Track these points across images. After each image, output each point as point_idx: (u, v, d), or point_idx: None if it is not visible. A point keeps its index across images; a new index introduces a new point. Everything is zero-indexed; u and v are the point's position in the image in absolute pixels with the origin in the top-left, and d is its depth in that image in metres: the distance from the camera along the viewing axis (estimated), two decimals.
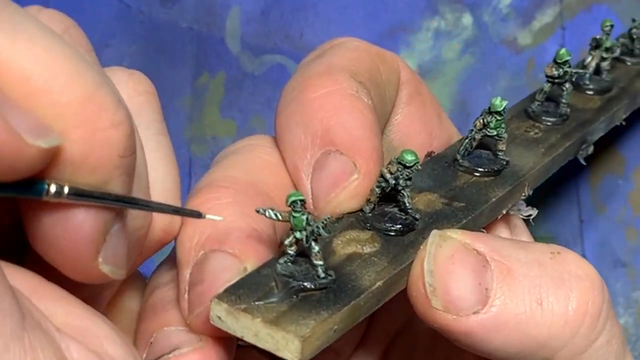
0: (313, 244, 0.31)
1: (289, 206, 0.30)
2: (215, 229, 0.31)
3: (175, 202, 0.32)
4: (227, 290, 0.29)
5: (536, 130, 0.43)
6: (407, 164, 0.33)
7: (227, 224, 0.31)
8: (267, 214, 0.30)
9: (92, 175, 0.25)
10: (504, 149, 0.39)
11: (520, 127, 0.43)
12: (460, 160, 0.38)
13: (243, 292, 0.29)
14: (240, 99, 0.60)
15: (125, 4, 0.62)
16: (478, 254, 0.32)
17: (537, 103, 0.44)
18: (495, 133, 0.38)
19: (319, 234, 0.31)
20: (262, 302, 0.29)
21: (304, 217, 0.30)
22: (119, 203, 0.27)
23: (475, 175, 0.38)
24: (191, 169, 0.61)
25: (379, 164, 0.34)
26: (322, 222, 0.31)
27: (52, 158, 0.25)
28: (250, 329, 0.28)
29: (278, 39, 0.61)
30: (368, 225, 0.34)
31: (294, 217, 0.30)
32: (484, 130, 0.38)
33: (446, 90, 0.60)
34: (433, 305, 0.32)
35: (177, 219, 0.31)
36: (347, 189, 0.34)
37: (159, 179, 0.31)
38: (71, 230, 0.26)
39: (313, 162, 0.34)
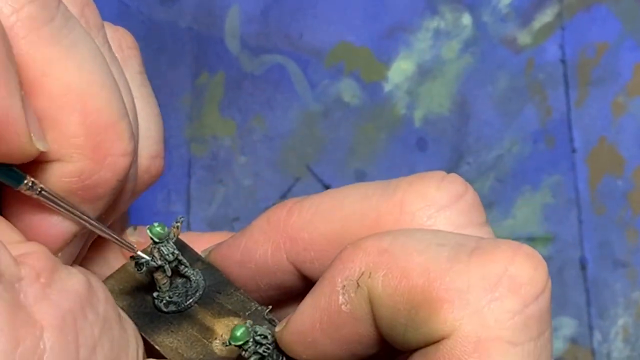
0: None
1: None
2: None
3: (159, 148, 0.35)
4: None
5: None
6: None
7: None
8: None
9: (91, 190, 0.29)
10: None
11: None
12: None
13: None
14: (240, 99, 0.60)
15: (124, 3, 0.62)
16: None
17: None
18: None
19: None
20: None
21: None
22: (78, 219, 0.30)
23: None
24: (190, 169, 0.60)
25: None
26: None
27: (62, 168, 0.29)
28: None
29: (278, 39, 0.61)
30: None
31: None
32: None
33: (446, 90, 0.60)
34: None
35: (158, 161, 0.34)
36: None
37: (144, 127, 0.34)
38: (39, 228, 0.30)
39: None
